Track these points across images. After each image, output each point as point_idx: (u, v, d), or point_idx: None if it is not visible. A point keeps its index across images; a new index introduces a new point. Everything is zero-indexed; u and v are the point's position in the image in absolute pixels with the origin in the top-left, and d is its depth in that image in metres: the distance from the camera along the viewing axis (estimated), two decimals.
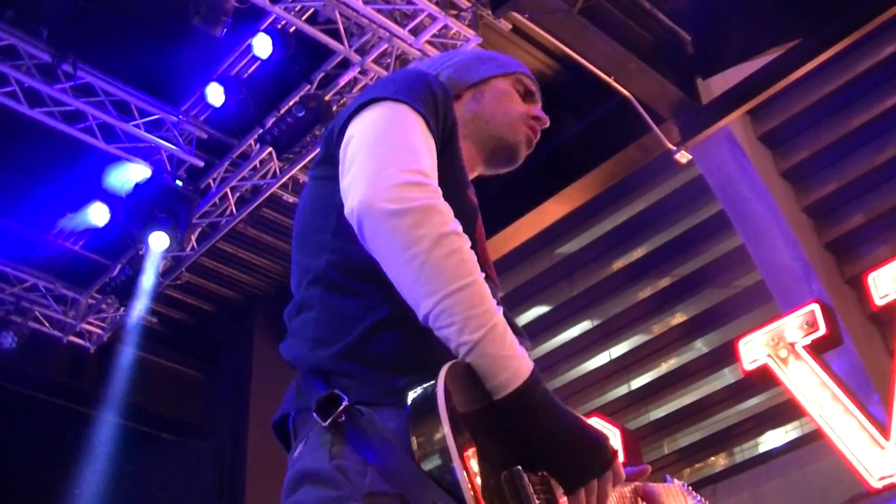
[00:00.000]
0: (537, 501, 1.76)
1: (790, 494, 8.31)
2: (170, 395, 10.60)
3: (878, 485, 6.95)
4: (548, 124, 2.40)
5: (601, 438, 1.85)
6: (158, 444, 10.43)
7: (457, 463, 1.67)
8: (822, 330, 7.55)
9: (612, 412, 9.26)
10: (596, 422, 8.54)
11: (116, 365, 9.92)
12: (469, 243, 1.83)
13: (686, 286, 9.33)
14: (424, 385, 1.75)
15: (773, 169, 8.75)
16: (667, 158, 8.44)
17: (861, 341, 8.04)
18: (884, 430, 7.07)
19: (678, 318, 9.45)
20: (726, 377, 8.99)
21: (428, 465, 1.71)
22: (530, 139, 2.37)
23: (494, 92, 2.35)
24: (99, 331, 9.81)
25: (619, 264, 9.77)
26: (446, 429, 1.69)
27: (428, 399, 1.73)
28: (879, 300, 7.38)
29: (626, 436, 8.57)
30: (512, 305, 10.17)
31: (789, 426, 8.60)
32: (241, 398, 10.74)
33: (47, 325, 9.69)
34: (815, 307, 7.63)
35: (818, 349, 7.58)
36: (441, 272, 1.78)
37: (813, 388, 7.46)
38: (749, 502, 8.73)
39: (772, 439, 8.81)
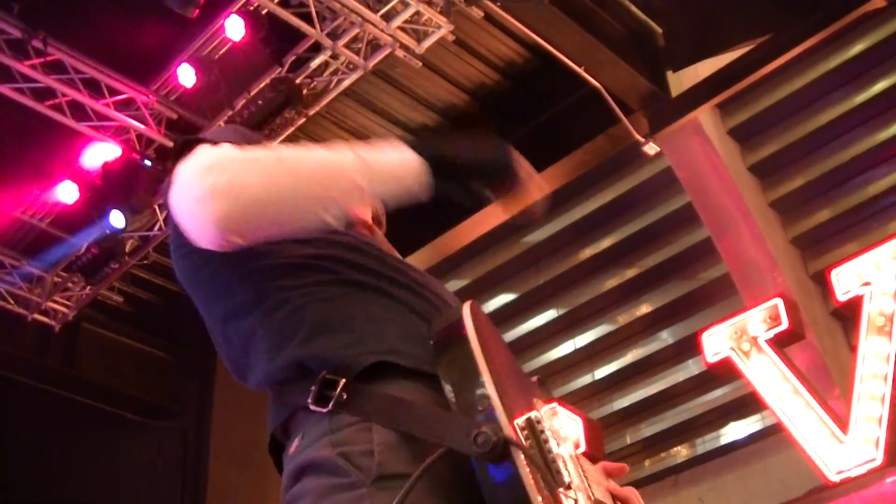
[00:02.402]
0: (557, 449, 1.72)
1: (750, 486, 8.39)
2: (135, 375, 10.58)
3: (835, 478, 6.99)
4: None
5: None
6: (123, 424, 10.40)
7: (492, 391, 1.66)
8: (785, 324, 7.59)
9: (575, 401, 9.30)
10: (559, 410, 8.60)
11: (82, 344, 9.90)
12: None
13: (652, 277, 9.38)
14: (447, 317, 1.78)
15: (741, 163, 8.81)
16: (635, 150, 8.48)
17: (823, 336, 8.12)
18: (843, 425, 7.12)
19: (643, 308, 9.50)
20: (690, 369, 9.04)
21: (461, 398, 1.69)
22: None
23: None
24: (64, 309, 9.75)
25: (585, 254, 9.80)
26: (477, 351, 1.69)
27: (454, 326, 1.75)
28: (842, 296, 7.42)
29: (590, 425, 8.59)
30: (478, 292, 10.21)
31: (751, 419, 8.66)
32: (206, 379, 10.72)
33: (12, 302, 9.62)
34: (779, 301, 7.68)
35: (781, 343, 7.62)
36: (280, 181, 1.82)
37: (774, 382, 7.51)
38: (710, 493, 8.80)
39: (734, 431, 8.88)
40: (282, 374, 1.88)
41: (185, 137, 2.09)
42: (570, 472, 1.72)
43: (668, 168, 8.81)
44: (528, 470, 1.60)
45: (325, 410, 1.75)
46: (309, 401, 1.78)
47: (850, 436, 7.07)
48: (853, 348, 7.38)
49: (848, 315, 7.68)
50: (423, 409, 1.70)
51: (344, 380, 1.76)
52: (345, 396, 1.75)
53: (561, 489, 1.69)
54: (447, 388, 1.70)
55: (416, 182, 1.93)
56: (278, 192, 1.81)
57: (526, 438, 1.70)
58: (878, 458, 6.85)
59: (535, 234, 9.98)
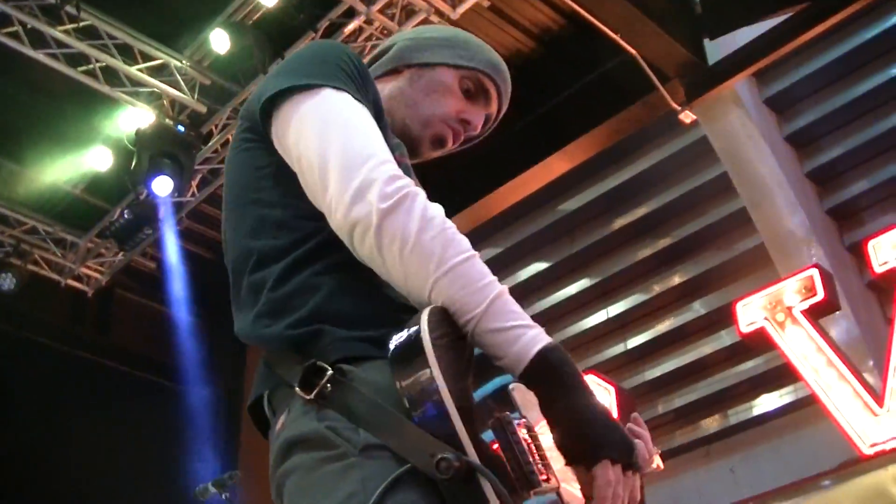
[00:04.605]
0: (527, 451, 1.73)
1: (783, 457, 8.34)
2: (168, 341, 10.64)
3: (869, 451, 6.95)
4: (476, 132, 2.33)
5: (624, 429, 1.77)
6: (156, 390, 10.47)
7: (451, 408, 1.63)
8: (821, 295, 7.53)
9: (607, 370, 9.26)
10: (592, 379, 8.56)
11: (115, 310, 9.96)
12: (452, 224, 1.80)
13: (686, 247, 9.31)
14: (408, 329, 1.70)
15: (778, 132, 8.72)
16: (671, 118, 8.42)
17: (859, 308, 8.04)
18: (877, 398, 7.07)
19: (677, 278, 9.43)
20: (723, 339, 8.98)
21: (420, 416, 1.65)
22: (441, 140, 2.28)
23: (432, 81, 2.26)
24: (97, 275, 9.81)
25: (619, 223, 9.74)
26: (435, 370, 1.64)
27: (413, 343, 1.68)
28: (879, 267, 7.36)
29: (622, 394, 8.57)
30: (511, 261, 10.18)
31: (784, 390, 8.60)
32: (239, 344, 10.72)
33: (46, 267, 9.69)
34: (814, 272, 7.62)
35: (816, 314, 7.56)
36: (430, 255, 1.74)
37: (809, 353, 7.46)
38: (741, 464, 8.77)
39: (766, 402, 8.82)
40: (275, 343, 1.87)
41: None
42: (541, 468, 1.74)
43: (704, 137, 8.73)
44: (493, 496, 1.60)
45: (309, 397, 1.75)
46: (296, 384, 1.77)
47: (884, 408, 7.02)
48: (889, 320, 7.31)
49: (884, 286, 7.62)
50: (396, 421, 1.68)
51: (330, 371, 1.75)
52: (329, 388, 1.75)
53: (534, 490, 1.70)
54: (408, 403, 1.67)
55: (517, 347, 1.74)
56: (407, 257, 1.75)
57: (498, 438, 1.71)
58: None
59: (569, 202, 9.92)
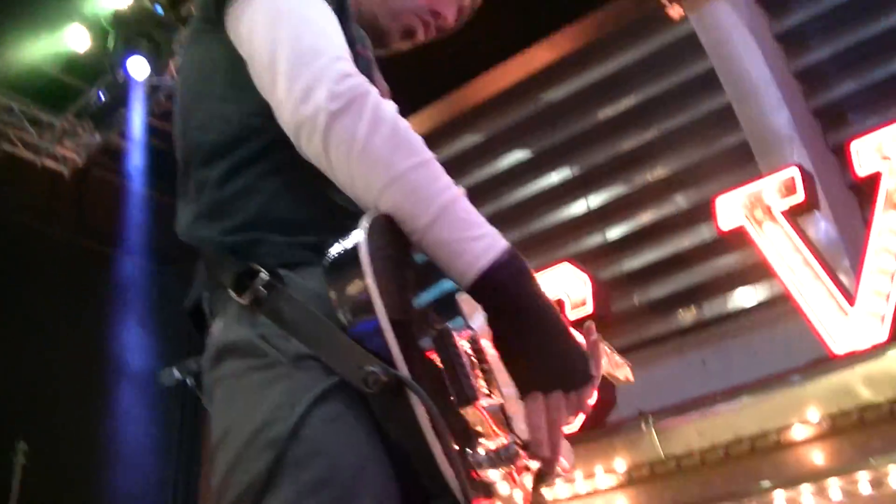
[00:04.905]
0: (467, 364, 1.70)
1: (754, 352, 8.42)
2: (144, 220, 10.59)
3: (839, 351, 7.04)
4: (448, 24, 2.26)
5: (583, 351, 1.74)
6: (130, 270, 10.44)
7: (384, 322, 1.58)
8: (801, 195, 7.55)
9: (585, 261, 9.25)
10: (568, 268, 8.60)
11: (92, 191, 9.88)
12: (405, 126, 1.74)
13: (669, 141, 9.24)
14: (348, 237, 1.66)
15: (767, 30, 8.58)
16: (660, 12, 8.30)
17: (839, 209, 8.03)
18: (850, 299, 7.13)
19: (659, 171, 9.38)
20: (703, 234, 8.97)
21: (352, 326, 1.62)
22: (411, 32, 2.24)
23: None
24: (74, 156, 9.71)
25: (603, 114, 9.64)
26: (370, 281, 1.60)
27: (350, 251, 1.64)
28: (860, 170, 7.35)
29: (597, 285, 8.61)
30: (493, 149, 10.10)
31: (760, 286, 8.64)
32: None
33: (21, 147, 9.58)
34: (795, 172, 7.62)
35: (795, 214, 7.59)
36: (377, 160, 1.68)
37: (786, 252, 7.50)
38: (714, 357, 8.85)
39: (742, 298, 8.88)
40: (212, 246, 1.84)
41: None
42: (481, 382, 1.72)
43: (692, 32, 8.61)
44: (422, 411, 1.56)
45: (244, 302, 1.71)
46: (229, 288, 1.73)
47: (856, 309, 7.08)
48: (868, 223, 7.33)
49: (865, 190, 7.61)
50: (328, 332, 1.64)
51: (265, 275, 1.71)
52: (263, 292, 1.70)
53: (469, 406, 1.68)
54: (341, 314, 1.63)
55: (467, 258, 1.69)
56: (355, 161, 1.70)
57: (438, 351, 1.68)
58: (884, 333, 6.87)
59: (553, 92, 9.80)
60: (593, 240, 9.78)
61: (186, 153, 1.98)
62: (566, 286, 8.49)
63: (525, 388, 1.70)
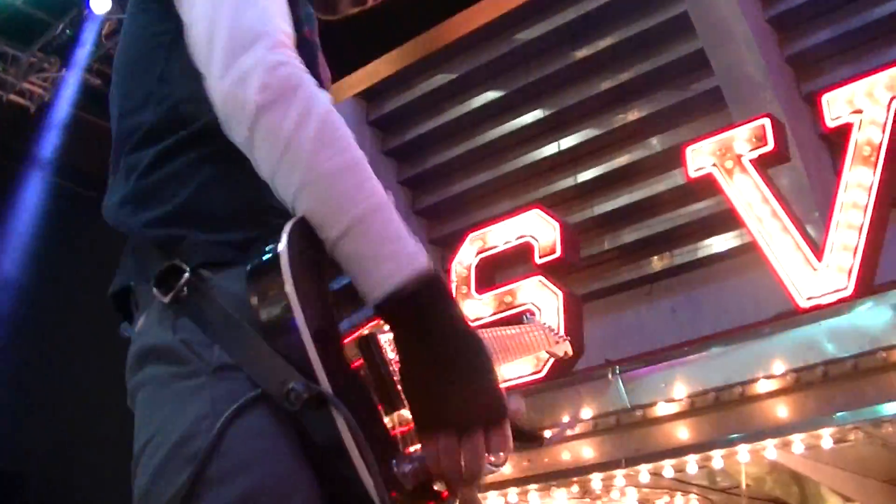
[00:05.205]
0: (393, 372, 1.63)
1: (724, 300, 8.44)
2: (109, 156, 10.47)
3: (805, 304, 7.01)
4: None
5: (499, 389, 1.60)
6: (95, 205, 10.35)
7: (305, 335, 1.52)
8: (771, 145, 7.46)
9: (555, 203, 9.22)
10: (537, 214, 8.53)
11: (57, 125, 9.73)
12: (340, 118, 1.65)
13: (642, 85, 9.15)
14: (271, 240, 1.58)
15: None
16: None
17: (809, 159, 8.00)
18: (818, 252, 7.10)
19: (631, 115, 9.30)
20: (675, 179, 8.90)
21: (273, 338, 1.55)
22: None
23: None
24: (41, 91, 9.57)
25: (576, 56, 9.52)
26: (290, 290, 1.53)
27: (272, 256, 1.56)
28: (831, 122, 7.27)
29: (567, 231, 8.54)
30: (465, 88, 10.00)
31: (731, 234, 8.62)
32: None
33: None
34: (766, 121, 7.53)
35: (765, 164, 7.52)
36: (298, 159, 1.60)
37: (754, 202, 7.43)
38: (684, 303, 8.88)
39: (712, 245, 8.87)
40: (137, 235, 1.78)
41: None
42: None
43: None
44: (343, 424, 1.50)
45: (165, 301, 1.65)
46: (152, 284, 1.67)
47: (823, 263, 7.04)
48: (838, 174, 7.29)
49: (836, 141, 7.55)
50: (250, 341, 1.57)
51: (188, 274, 1.64)
52: (185, 292, 1.64)
53: (396, 412, 1.62)
54: (262, 323, 1.57)
55: (376, 277, 1.59)
56: (278, 156, 1.62)
57: (365, 359, 1.62)
58: (850, 287, 6.85)
59: (526, 32, 9.67)
60: (564, 182, 9.72)
61: (119, 131, 1.89)
62: (536, 231, 8.44)
63: (418, 427, 1.60)
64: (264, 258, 1.58)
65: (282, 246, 1.55)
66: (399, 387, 1.61)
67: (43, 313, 9.46)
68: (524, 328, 2.31)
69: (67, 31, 8.85)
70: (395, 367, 1.64)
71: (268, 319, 1.56)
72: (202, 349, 1.62)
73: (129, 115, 1.87)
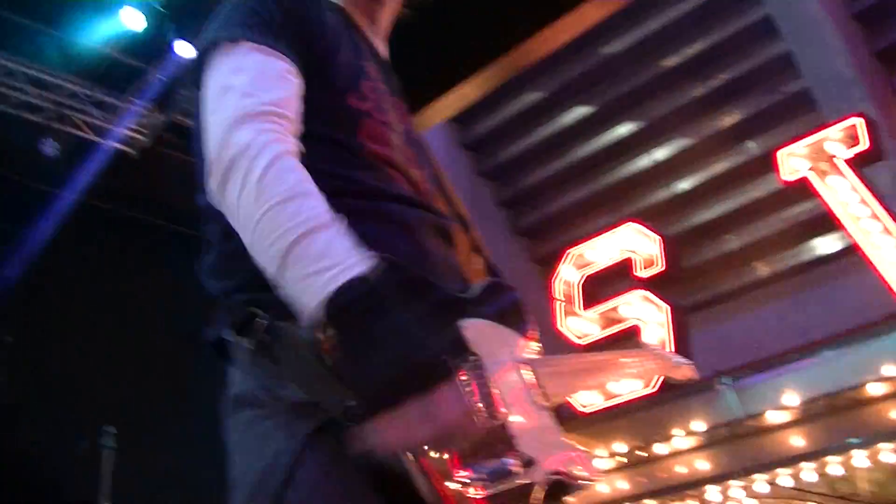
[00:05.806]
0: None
1: (830, 304, 8.26)
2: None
3: None
4: None
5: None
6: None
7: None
8: (865, 144, 7.35)
9: (653, 216, 9.13)
10: (634, 228, 8.49)
11: (161, 169, 9.92)
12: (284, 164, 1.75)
13: (731, 90, 9.04)
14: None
15: None
16: None
17: None
18: None
19: (723, 121, 9.17)
20: (772, 183, 8.77)
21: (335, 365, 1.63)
22: None
23: None
24: (140, 136, 9.79)
25: (664, 65, 9.42)
26: None
27: None
28: None
29: (667, 242, 8.48)
30: (554, 105, 9.97)
31: (834, 235, 8.46)
32: None
33: (88, 131, 9.67)
34: (859, 121, 7.41)
35: (860, 163, 7.40)
36: (245, 222, 1.74)
37: (852, 204, 7.33)
38: (791, 308, 8.70)
39: (816, 248, 8.73)
40: (224, 301, 1.93)
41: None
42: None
43: None
44: None
45: (250, 347, 1.81)
46: (236, 334, 1.85)
47: None
48: None
49: None
50: (317, 372, 1.64)
51: (266, 322, 1.77)
52: (266, 337, 1.77)
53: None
54: (326, 356, 1.63)
55: (305, 299, 1.66)
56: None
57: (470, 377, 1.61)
58: None
59: (611, 45, 9.62)
60: (660, 194, 9.65)
61: (198, 199, 2.03)
62: (635, 245, 8.40)
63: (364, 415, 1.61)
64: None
65: None
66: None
67: None
68: (643, 354, 2.31)
69: (161, 76, 9.04)
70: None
71: (330, 350, 1.65)
72: (279, 389, 1.77)
73: (199, 187, 1.99)
